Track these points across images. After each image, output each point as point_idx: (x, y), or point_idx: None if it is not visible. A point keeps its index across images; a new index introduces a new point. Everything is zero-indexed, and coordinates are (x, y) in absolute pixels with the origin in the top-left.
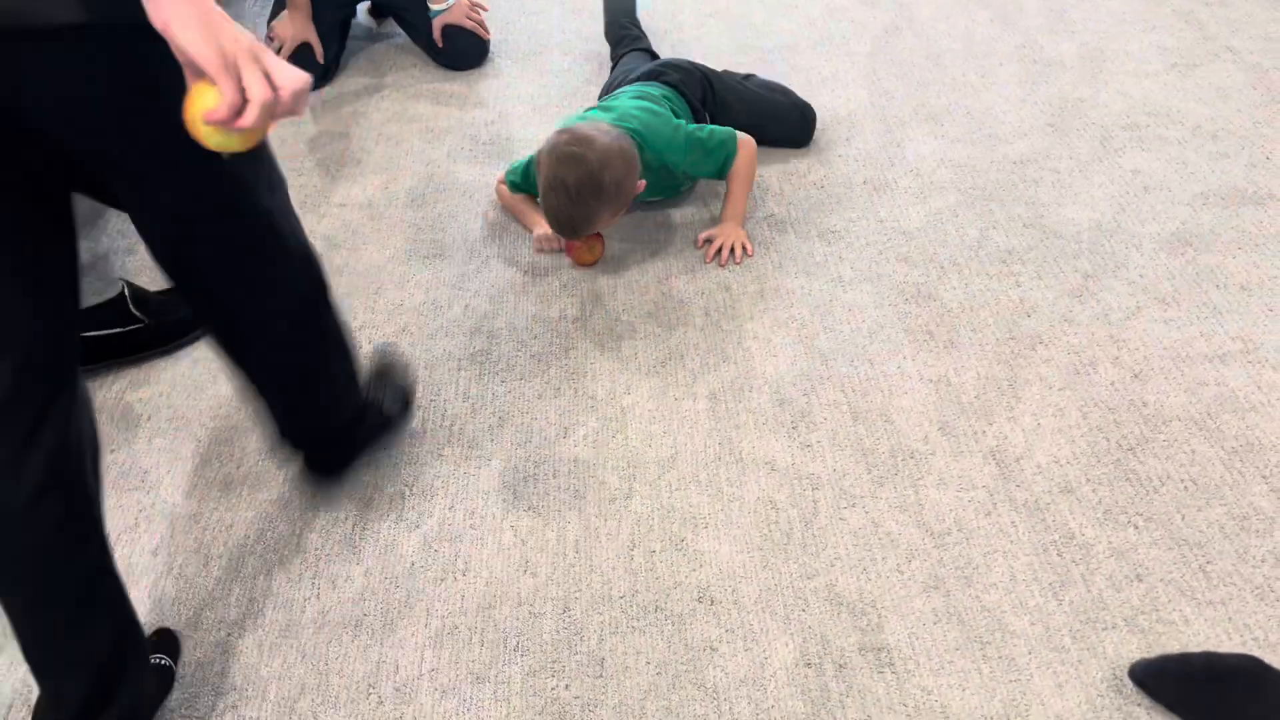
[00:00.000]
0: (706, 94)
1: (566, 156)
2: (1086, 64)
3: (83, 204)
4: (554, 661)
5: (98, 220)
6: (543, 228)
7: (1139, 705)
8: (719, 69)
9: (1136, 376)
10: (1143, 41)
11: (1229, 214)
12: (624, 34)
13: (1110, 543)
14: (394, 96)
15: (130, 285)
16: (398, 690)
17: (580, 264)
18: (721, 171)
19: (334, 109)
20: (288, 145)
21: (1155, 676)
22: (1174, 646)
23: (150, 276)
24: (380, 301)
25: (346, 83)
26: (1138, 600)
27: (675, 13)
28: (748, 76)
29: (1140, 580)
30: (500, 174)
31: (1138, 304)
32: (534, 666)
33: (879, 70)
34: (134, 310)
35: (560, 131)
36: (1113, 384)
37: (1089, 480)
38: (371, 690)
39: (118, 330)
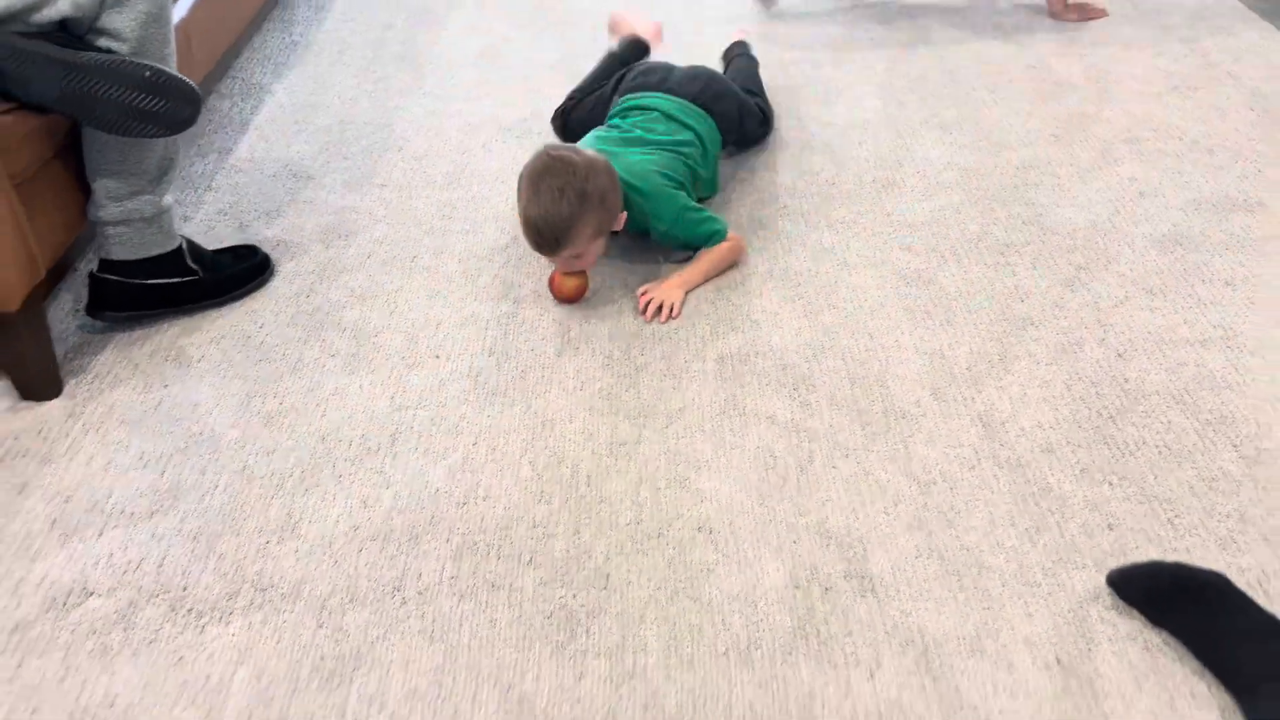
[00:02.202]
0: (728, 116)
1: (552, 161)
2: (1093, 84)
3: (148, 161)
4: (563, 575)
5: (162, 178)
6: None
7: (1102, 633)
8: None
9: (1120, 356)
10: (1148, 66)
11: (1219, 219)
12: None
13: (1085, 496)
14: (434, 94)
15: (189, 241)
16: (420, 593)
17: (562, 297)
18: (698, 245)
19: (378, 100)
20: (333, 133)
21: (1128, 580)
22: None
23: (206, 237)
24: (415, 268)
25: (391, 79)
26: (1108, 545)
27: (699, 26)
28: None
29: (1111, 529)
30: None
31: (1126, 294)
32: (545, 578)
33: (894, 83)
34: (190, 263)
35: (541, 149)
36: (1097, 362)
37: (1069, 443)
38: (396, 592)
39: (175, 280)
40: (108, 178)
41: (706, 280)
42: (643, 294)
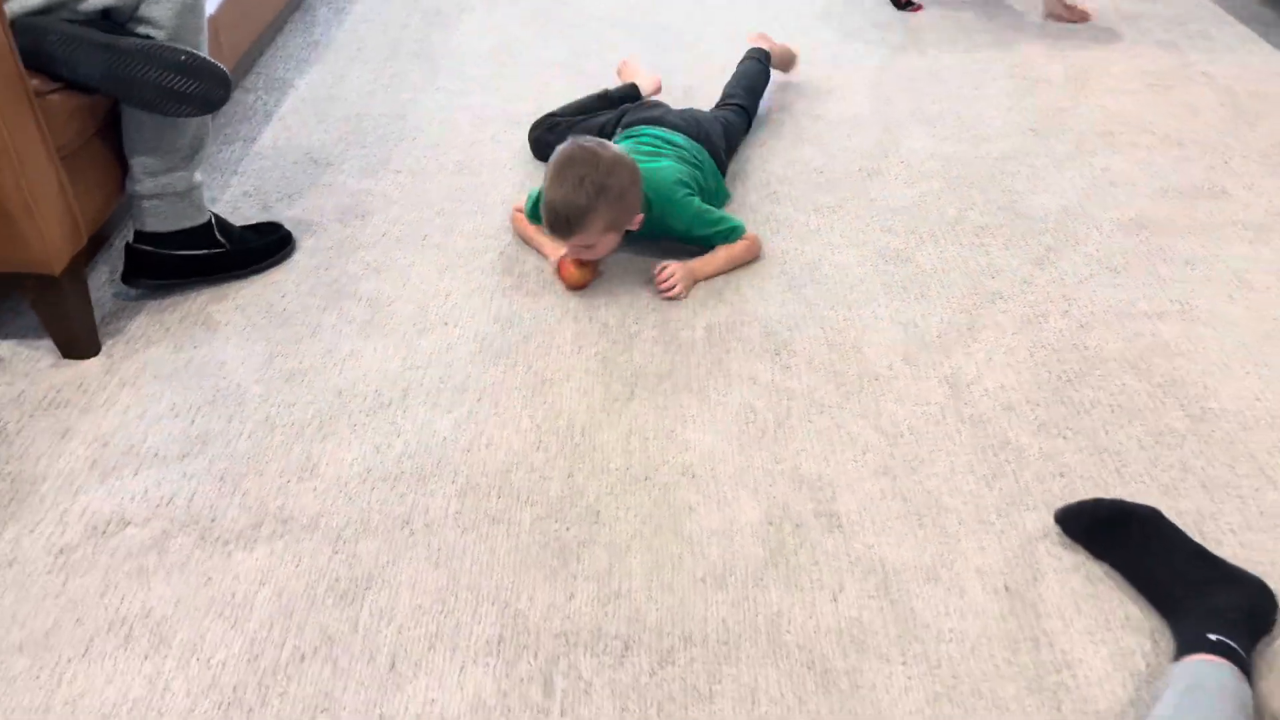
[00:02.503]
0: (717, 145)
1: (577, 151)
2: (1071, 82)
3: (181, 141)
4: (558, 511)
5: (194, 156)
6: (554, 254)
7: (1048, 565)
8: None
9: (1082, 327)
10: (1126, 65)
11: (1185, 205)
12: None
13: (1040, 448)
14: (447, 89)
15: (217, 217)
16: (426, 526)
17: (570, 284)
18: (715, 241)
19: (394, 94)
20: (351, 123)
21: (1072, 516)
22: None
23: (232, 216)
24: (427, 245)
25: (406, 75)
26: (1058, 490)
27: (704, 26)
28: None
29: (1062, 476)
30: (519, 203)
31: (1091, 272)
32: (541, 514)
33: (885, 81)
34: (218, 237)
35: (572, 139)
36: (1060, 331)
37: (1029, 402)
38: (405, 525)
39: (204, 252)
40: (144, 154)
41: (719, 274)
42: (664, 266)
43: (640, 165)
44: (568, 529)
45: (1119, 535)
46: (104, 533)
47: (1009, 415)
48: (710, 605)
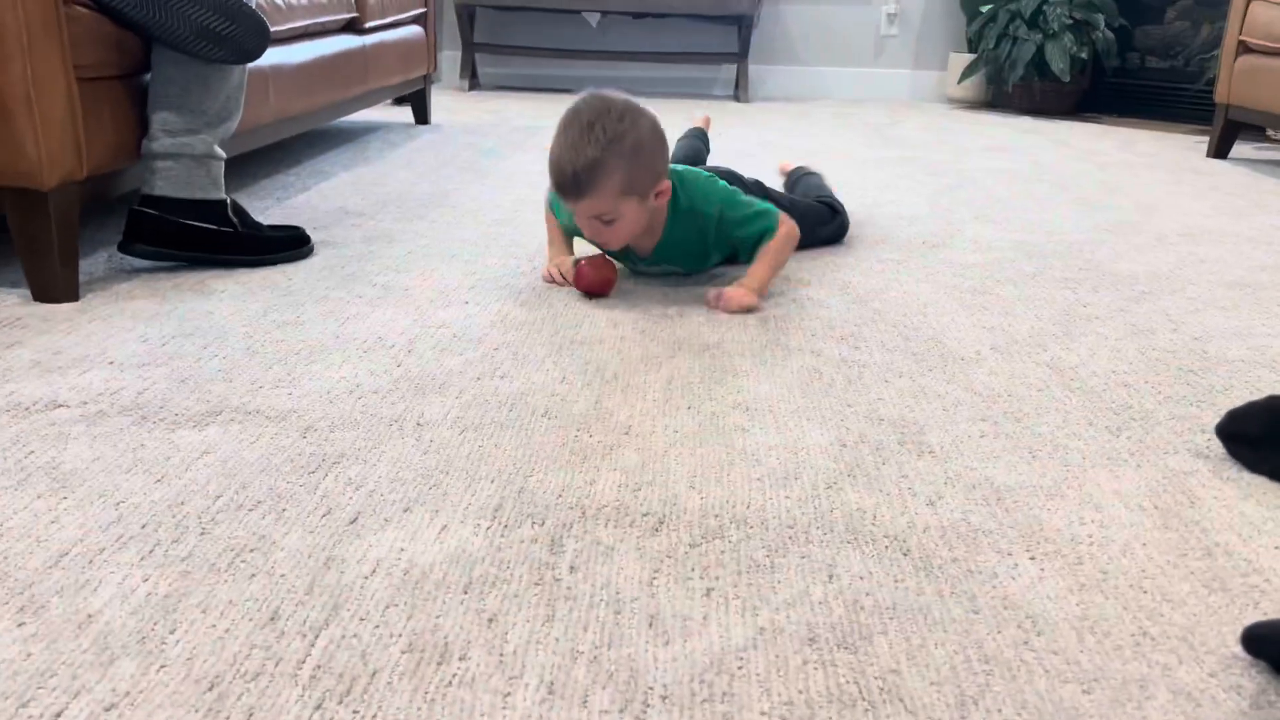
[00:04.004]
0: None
1: (592, 99)
2: (1141, 210)
3: (208, 103)
4: (580, 426)
5: (219, 125)
6: (553, 264)
7: (1206, 494)
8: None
9: (1197, 339)
10: (1194, 204)
11: None
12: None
13: (1171, 413)
14: (493, 187)
15: (234, 201)
16: (419, 425)
17: (589, 289)
18: (755, 242)
19: (438, 184)
20: (392, 198)
21: (1242, 419)
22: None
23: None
24: (455, 261)
25: (453, 178)
26: (1202, 443)
27: (762, 159)
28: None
29: (1204, 433)
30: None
31: (1196, 308)
32: (559, 425)
33: (940, 200)
34: (231, 216)
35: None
36: (1172, 340)
37: (1148, 383)
38: (393, 424)
39: (212, 227)
40: (167, 110)
41: (774, 276)
42: (716, 293)
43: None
44: (591, 436)
45: None
46: (28, 409)
47: (1126, 390)
48: (770, 498)
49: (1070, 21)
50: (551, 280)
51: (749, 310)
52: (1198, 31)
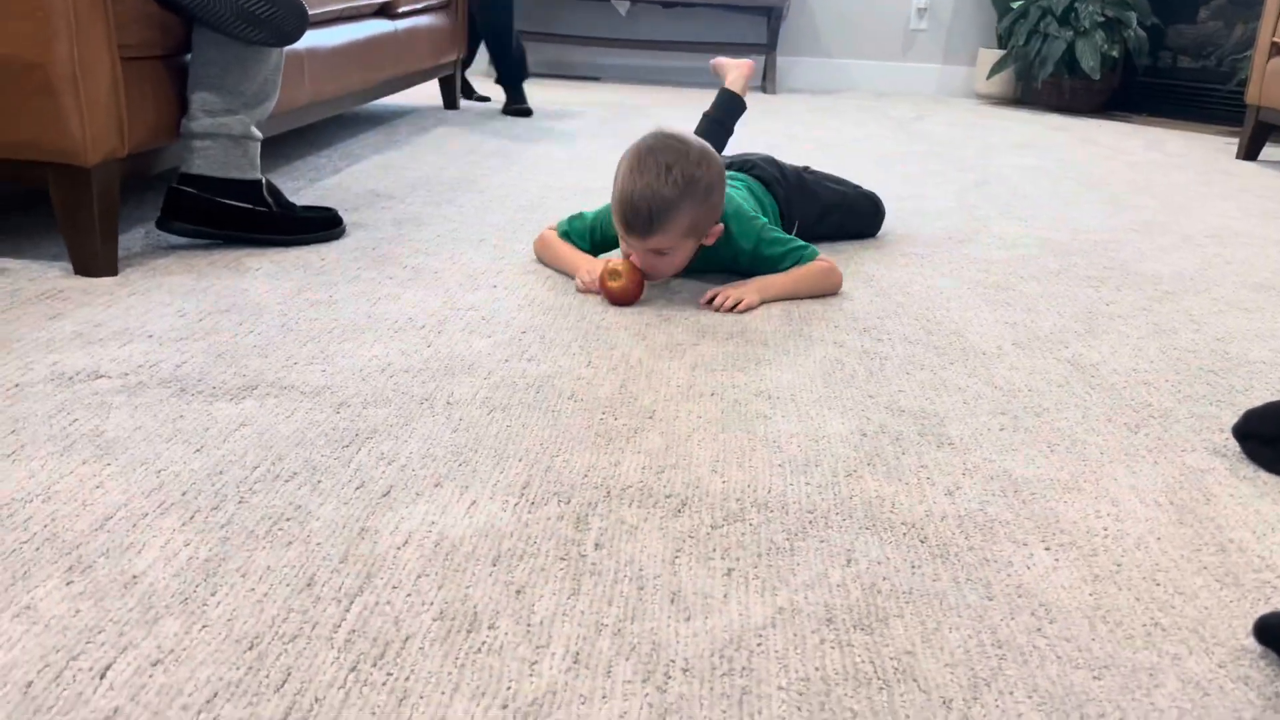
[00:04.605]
0: (788, 185)
1: (663, 138)
2: (1168, 210)
3: (246, 84)
4: (605, 409)
5: (256, 106)
6: (586, 271)
7: (1222, 492)
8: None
9: (1219, 339)
10: (1222, 205)
11: None
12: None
13: (1190, 411)
14: (521, 172)
15: (269, 182)
16: (449, 404)
17: (618, 295)
18: (785, 263)
19: (467, 169)
20: (421, 180)
21: (1259, 419)
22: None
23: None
24: (483, 245)
25: (483, 163)
26: (1220, 441)
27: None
28: (805, 168)
29: (1223, 433)
30: (547, 227)
31: (1219, 310)
32: (585, 408)
33: (967, 196)
34: (266, 196)
35: (654, 131)
36: (1194, 340)
37: (1169, 382)
38: (424, 402)
39: (247, 206)
40: (206, 90)
41: (790, 297)
42: (717, 291)
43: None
44: (616, 419)
45: None
46: (71, 379)
47: (1146, 388)
48: (790, 484)
49: (1102, 19)
50: (588, 290)
51: (745, 308)
52: (1231, 32)
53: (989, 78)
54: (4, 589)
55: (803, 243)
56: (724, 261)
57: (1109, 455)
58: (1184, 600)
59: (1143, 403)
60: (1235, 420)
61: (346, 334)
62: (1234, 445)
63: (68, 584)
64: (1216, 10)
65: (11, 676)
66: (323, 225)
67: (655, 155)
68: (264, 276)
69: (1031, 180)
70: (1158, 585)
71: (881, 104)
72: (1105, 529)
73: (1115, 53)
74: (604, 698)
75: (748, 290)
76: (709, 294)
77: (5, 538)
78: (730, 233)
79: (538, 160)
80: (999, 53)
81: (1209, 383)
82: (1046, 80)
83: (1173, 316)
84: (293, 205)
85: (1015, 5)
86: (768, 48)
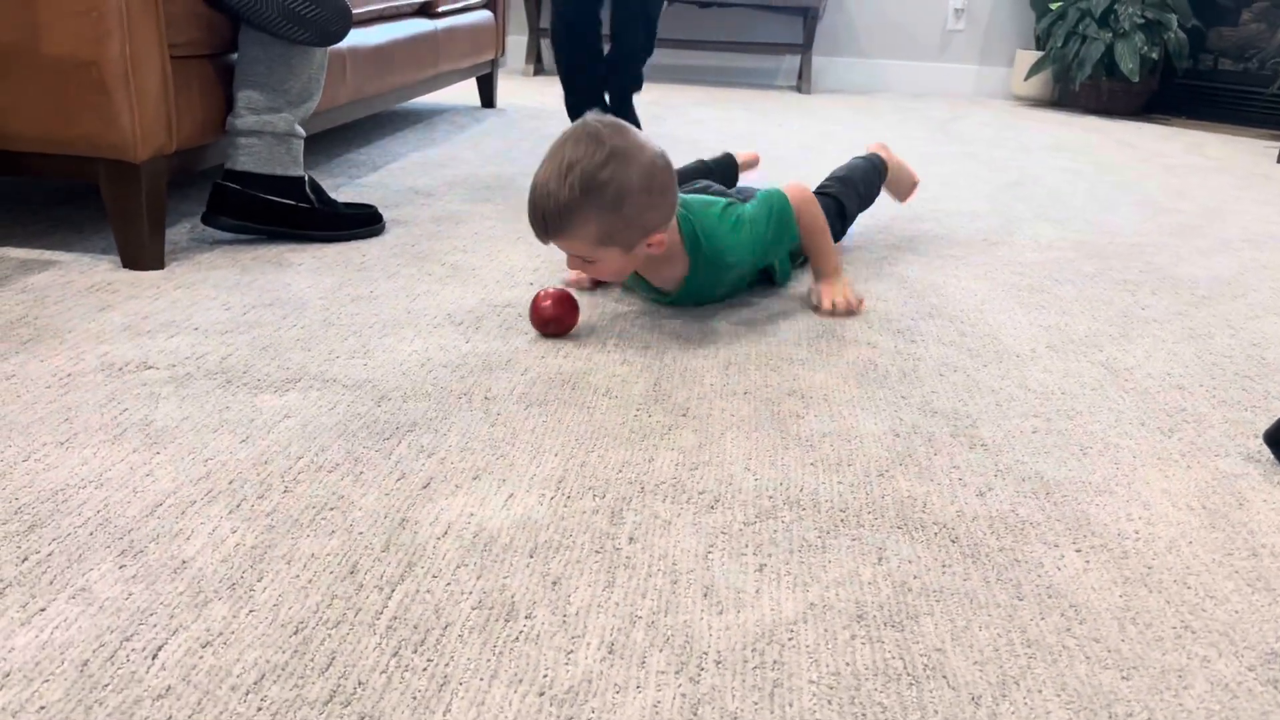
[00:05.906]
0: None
1: (586, 132)
2: (1205, 214)
3: (290, 83)
4: (640, 406)
5: (300, 104)
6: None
7: (1256, 497)
8: None
9: (1255, 345)
10: (1261, 210)
11: None
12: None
13: (1225, 417)
14: None
15: (312, 179)
16: (487, 399)
17: (542, 325)
18: (791, 239)
19: (504, 167)
20: (460, 178)
21: None
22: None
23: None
24: (520, 244)
25: (520, 159)
26: (1254, 447)
27: (818, 156)
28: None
29: (1257, 438)
30: None
31: (1257, 314)
32: (620, 404)
33: (1002, 198)
34: (309, 192)
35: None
36: (1230, 345)
37: (1204, 387)
38: (463, 397)
39: (291, 202)
40: (251, 89)
41: (834, 252)
42: (823, 300)
43: (692, 219)
44: (651, 416)
45: None
46: (120, 370)
47: (1180, 392)
48: (823, 483)
49: (1142, 21)
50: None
51: (856, 310)
52: (1273, 34)
53: (1026, 79)
54: (60, 571)
55: (765, 196)
56: (726, 285)
57: (1141, 459)
58: (1214, 604)
59: (1176, 407)
60: (1269, 426)
61: (387, 329)
62: (1267, 451)
63: (120, 568)
64: (1259, 13)
65: (69, 655)
66: (363, 222)
67: (566, 148)
68: (306, 271)
69: (1068, 182)
70: (1188, 588)
71: (918, 105)
72: (1136, 532)
73: (1155, 55)
74: (638, 687)
75: (834, 291)
76: (827, 303)
77: (61, 522)
78: (720, 255)
79: None
80: (1037, 54)
81: (1244, 388)
82: (1085, 82)
83: (1208, 321)
84: (334, 202)
85: (1054, 7)
86: (804, 47)
